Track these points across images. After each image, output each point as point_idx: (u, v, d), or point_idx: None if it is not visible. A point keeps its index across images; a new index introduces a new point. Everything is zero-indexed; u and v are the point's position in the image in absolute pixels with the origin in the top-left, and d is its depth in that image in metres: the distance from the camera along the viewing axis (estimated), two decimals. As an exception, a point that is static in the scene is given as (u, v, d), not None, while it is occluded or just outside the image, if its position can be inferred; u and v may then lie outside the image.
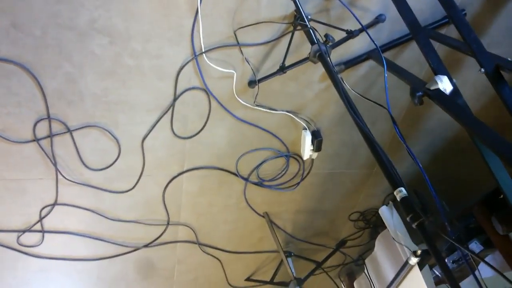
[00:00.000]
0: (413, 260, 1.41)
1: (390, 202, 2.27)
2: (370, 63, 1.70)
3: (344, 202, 2.23)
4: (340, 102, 1.78)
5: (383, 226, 2.20)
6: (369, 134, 1.00)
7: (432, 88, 1.16)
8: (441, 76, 1.16)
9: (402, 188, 0.94)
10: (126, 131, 1.64)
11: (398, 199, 0.94)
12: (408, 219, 0.90)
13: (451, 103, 1.09)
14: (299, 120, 1.79)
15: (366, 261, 2.39)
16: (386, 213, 2.19)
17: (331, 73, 1.17)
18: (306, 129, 1.82)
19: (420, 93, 1.16)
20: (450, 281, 0.95)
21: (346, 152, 1.98)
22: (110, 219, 1.93)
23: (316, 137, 1.83)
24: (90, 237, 1.98)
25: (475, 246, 2.47)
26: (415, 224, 0.88)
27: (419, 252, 1.38)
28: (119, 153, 1.69)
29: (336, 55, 1.63)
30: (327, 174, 2.05)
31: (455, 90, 1.17)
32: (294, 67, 1.46)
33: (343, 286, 2.66)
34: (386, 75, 1.31)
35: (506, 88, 1.15)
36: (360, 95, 1.45)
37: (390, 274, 2.04)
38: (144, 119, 1.62)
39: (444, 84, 1.15)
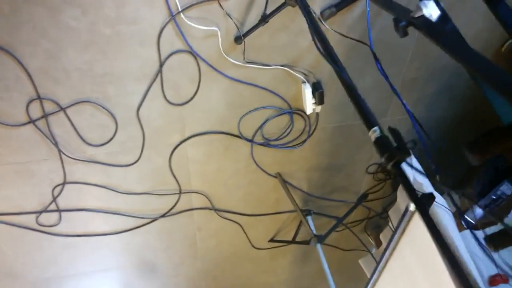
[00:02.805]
0: (412, 206, 1.33)
1: (409, 151, 2.16)
2: (363, 3, 1.58)
3: (358, 155, 2.14)
4: (340, 47, 1.71)
5: (404, 176, 2.11)
6: (337, 67, 0.92)
7: (417, 15, 1.04)
8: (425, 1, 1.04)
9: (377, 128, 0.86)
10: (118, 103, 1.62)
11: (373, 140, 0.86)
12: (383, 159, 0.83)
13: (436, 30, 0.98)
14: (296, 74, 1.70)
15: (390, 213, 2.31)
16: (405, 166, 2.09)
17: (303, 8, 1.08)
18: (305, 82, 1.74)
19: (403, 23, 1.06)
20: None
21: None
22: (122, 193, 1.95)
23: (317, 89, 1.74)
24: (106, 212, 2.01)
25: (506, 187, 2.34)
26: (391, 164, 0.81)
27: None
28: (117, 126, 1.69)
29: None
30: (335, 128, 1.97)
31: (443, 15, 1.05)
32: (275, 13, 1.37)
33: (370, 240, 2.61)
34: (368, 8, 1.20)
35: (501, 4, 1.02)
36: (340, 33, 1.35)
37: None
38: (134, 89, 1.59)
39: (430, 9, 1.03)
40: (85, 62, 1.47)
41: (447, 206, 1.88)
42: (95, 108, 1.61)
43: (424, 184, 1.95)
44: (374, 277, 1.62)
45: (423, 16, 1.03)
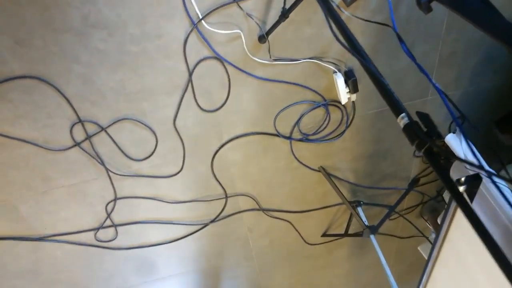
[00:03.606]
0: (460, 188, 1.25)
1: (457, 129, 2.05)
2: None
3: (403, 139, 2.05)
4: (368, 31, 1.66)
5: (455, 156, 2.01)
6: (360, 54, 0.89)
7: (438, -11, 0.99)
8: (446, -27, 0.98)
9: (404, 114, 0.83)
10: (155, 117, 1.66)
11: (401, 127, 0.83)
12: (413, 147, 0.79)
13: (460, 1, 0.92)
14: (326, 64, 1.67)
15: (445, 195, 2.21)
16: (454, 141, 1.99)
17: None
18: (336, 71, 1.70)
19: (425, -2, 1.00)
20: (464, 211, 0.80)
21: (390, 84, 1.81)
22: (171, 203, 2.00)
23: (350, 77, 1.70)
24: (159, 223, 2.08)
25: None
26: (422, 151, 0.77)
27: (463, 179, 1.21)
28: (156, 140, 1.73)
29: (345, -16, 1.47)
30: (374, 114, 1.91)
31: (468, -15, 0.99)
32: (295, 7, 1.35)
33: (428, 224, 2.50)
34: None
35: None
36: (362, 18, 1.30)
37: (470, 205, 1.85)
38: (167, 102, 1.63)
39: (451, -19, 0.97)
40: (117, 81, 1.52)
41: (504, 184, 1.77)
42: (133, 125, 1.66)
43: (477, 162, 1.85)
44: (428, 269, 1.55)
45: (445, -12, 0.98)
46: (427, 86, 1.87)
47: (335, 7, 1.51)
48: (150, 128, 1.69)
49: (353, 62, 1.70)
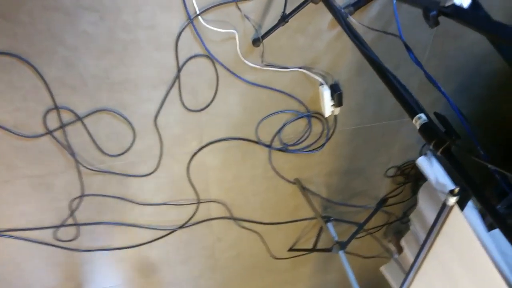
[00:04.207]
0: (451, 200, 1.28)
1: (428, 152, 2.12)
2: (380, 1, 1.57)
3: (377, 158, 2.11)
4: (356, 49, 1.68)
5: (424, 179, 2.06)
6: (373, 57, 0.90)
7: (447, 4, 1.02)
8: (455, -10, 1.02)
9: (422, 114, 0.83)
10: (135, 111, 1.60)
11: (418, 127, 0.83)
12: (431, 146, 0.79)
13: (471, 15, 0.95)
14: (314, 76, 1.68)
15: (411, 216, 2.26)
16: (425, 164, 2.05)
17: (331, 6, 1.06)
18: (323, 84, 1.71)
19: (434, 12, 1.03)
20: (495, 218, 0.83)
21: (370, 103, 1.86)
22: (140, 204, 1.91)
23: (335, 90, 1.72)
24: (124, 224, 1.98)
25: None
26: (440, 150, 0.77)
27: (456, 190, 1.25)
28: (134, 135, 1.66)
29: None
30: (354, 130, 1.94)
31: (474, 3, 1.03)
32: (296, 13, 1.35)
33: (390, 246, 2.55)
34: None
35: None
36: (366, 26, 1.33)
37: (437, 227, 1.91)
38: (151, 96, 1.57)
39: (459, -2, 1.01)
40: (102, 69, 1.45)
41: (471, 204, 1.84)
42: (112, 117, 1.59)
43: (446, 185, 1.91)
44: (408, 281, 1.57)
45: (453, 5, 1.01)
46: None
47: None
48: (129, 122, 1.62)
49: (340, 76, 1.72)
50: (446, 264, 1.36)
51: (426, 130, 0.78)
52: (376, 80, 1.78)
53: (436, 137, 0.75)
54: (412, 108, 0.83)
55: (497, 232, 1.90)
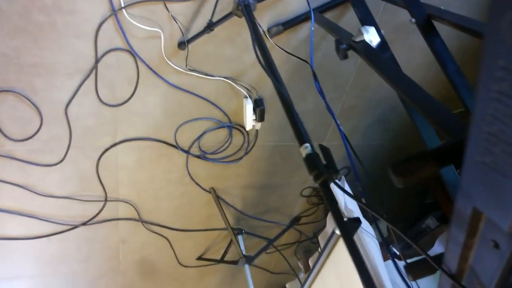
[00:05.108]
0: (339, 230, 1.33)
1: (343, 177, 2.19)
2: (310, 25, 1.60)
3: (294, 177, 2.14)
4: (284, 68, 1.71)
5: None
6: (275, 80, 0.91)
7: (358, 40, 1.06)
8: (367, 27, 1.06)
9: (308, 145, 0.85)
10: (46, 97, 1.51)
11: (303, 156, 0.84)
12: (311, 177, 0.81)
13: (375, 55, 0.99)
14: (239, 88, 1.68)
15: (320, 238, 2.32)
16: (336, 188, 2.11)
17: (249, 21, 1.06)
18: (247, 97, 1.72)
19: (344, 46, 1.07)
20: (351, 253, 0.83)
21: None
22: (41, 195, 1.80)
23: (259, 105, 1.73)
24: (21, 215, 1.85)
25: (431, 221, 2.43)
26: (319, 182, 0.79)
27: (345, 219, 1.30)
28: (41, 122, 1.56)
29: (274, 15, 1.52)
30: (274, 147, 1.96)
31: (383, 43, 1.08)
32: (221, 22, 1.34)
33: (299, 264, 2.60)
34: (312, 28, 1.21)
35: (437, 40, 1.06)
36: (283, 49, 1.35)
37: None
38: (64, 84, 1.49)
39: (370, 35, 1.05)
40: (13, 48, 1.35)
41: (373, 235, 1.92)
42: (18, 99, 1.49)
43: (354, 211, 1.98)
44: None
45: (363, 41, 1.05)
46: (325, 132, 1.98)
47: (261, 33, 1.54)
48: (37, 108, 1.52)
49: (265, 92, 1.74)
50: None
51: (309, 160, 0.79)
52: (299, 101, 1.82)
53: (317, 169, 0.76)
54: (302, 137, 0.84)
55: (390, 263, 2.00)
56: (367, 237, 1.83)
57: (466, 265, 0.56)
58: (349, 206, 2.01)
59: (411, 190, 2.55)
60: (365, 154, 2.15)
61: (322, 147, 0.83)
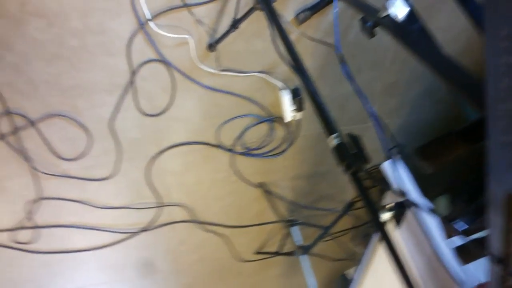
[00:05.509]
0: (386, 216, 1.28)
1: (394, 156, 2.12)
2: (339, 5, 1.55)
3: (342, 161, 2.09)
4: (317, 54, 1.67)
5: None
6: (301, 71, 0.88)
7: (383, 15, 1.00)
8: (392, 0, 1.00)
9: (336, 135, 0.82)
10: (90, 116, 1.57)
11: (332, 147, 0.82)
12: (341, 169, 0.79)
13: (401, 30, 0.93)
14: (274, 80, 1.67)
15: (377, 220, 2.26)
16: (389, 169, 2.05)
17: (269, 12, 1.04)
18: (283, 88, 1.70)
19: (369, 23, 1.02)
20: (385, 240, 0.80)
21: (333, 108, 1.84)
22: (100, 208, 1.89)
23: (296, 95, 1.70)
24: (84, 228, 1.95)
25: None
26: (349, 173, 0.77)
27: (391, 205, 1.25)
28: (90, 140, 1.63)
29: (299, 2, 1.48)
30: (317, 135, 1.93)
31: (410, 15, 1.01)
32: (245, 18, 1.33)
33: (358, 249, 2.55)
34: (336, 8, 1.17)
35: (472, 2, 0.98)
36: (309, 37, 1.31)
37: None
38: (105, 101, 1.54)
39: (396, 8, 0.99)
40: (53, 74, 1.42)
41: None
42: (66, 122, 1.56)
43: (411, 190, 1.91)
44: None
45: (388, 16, 1.00)
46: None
47: (286, 24, 1.51)
48: (84, 127, 1.59)
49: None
50: (382, 280, 1.36)
51: (338, 151, 0.77)
52: (338, 84, 1.78)
53: (346, 160, 0.74)
54: (329, 128, 0.82)
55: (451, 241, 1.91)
56: (426, 216, 1.76)
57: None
58: (406, 185, 1.94)
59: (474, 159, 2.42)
60: (415, 129, 2.07)
61: (352, 136, 0.81)
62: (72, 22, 1.32)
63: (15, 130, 1.53)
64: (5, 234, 1.85)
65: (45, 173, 1.68)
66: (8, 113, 1.47)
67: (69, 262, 2.08)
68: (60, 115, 1.53)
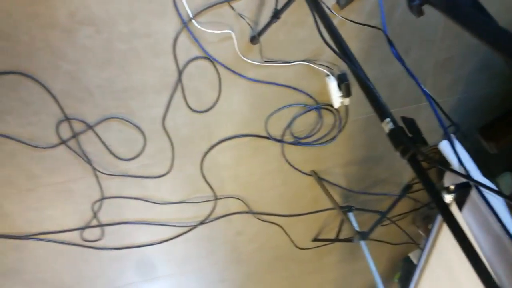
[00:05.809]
0: (448, 198, 1.23)
1: (452, 135, 2.03)
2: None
3: (396, 144, 2.04)
4: (362, 35, 1.63)
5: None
6: (347, 56, 0.87)
7: (431, -9, 0.96)
8: (440, -26, 0.96)
9: (390, 119, 0.80)
10: (143, 116, 1.63)
11: (386, 132, 0.80)
12: (398, 154, 0.76)
13: (451, 4, 0.89)
14: (318, 67, 1.64)
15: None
16: (447, 148, 1.96)
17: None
18: (329, 75, 1.67)
19: (417, 1, 0.97)
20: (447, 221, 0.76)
21: (382, 90, 1.79)
22: (159, 204, 1.97)
23: (343, 81, 1.67)
24: (147, 223, 2.04)
25: None
26: (406, 157, 0.74)
27: (452, 187, 1.19)
28: (145, 139, 1.70)
29: (339, -14, 1.45)
30: (368, 119, 1.88)
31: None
32: (286, 8, 1.32)
33: (420, 232, 2.48)
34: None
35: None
36: (352, 21, 1.28)
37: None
38: (156, 101, 1.60)
39: (445, -16, 0.94)
40: (105, 79, 1.49)
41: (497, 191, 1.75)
42: (121, 123, 1.63)
43: (471, 170, 1.83)
44: (416, 276, 1.53)
45: (438, -8, 0.95)
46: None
47: (328, 9, 1.48)
48: (139, 128, 1.66)
49: (346, 66, 1.67)
50: (449, 262, 1.31)
51: (393, 136, 0.75)
52: (385, 65, 1.72)
53: (402, 144, 0.72)
54: (382, 112, 0.80)
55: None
56: (489, 196, 1.68)
57: None
58: (466, 164, 1.86)
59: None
60: (471, 106, 1.97)
61: (405, 119, 0.78)
62: (119, 27, 1.37)
63: (75, 135, 1.62)
64: (75, 233, 1.98)
65: (106, 174, 1.77)
66: (67, 119, 1.57)
67: (134, 257, 2.18)
68: (115, 117, 1.61)
